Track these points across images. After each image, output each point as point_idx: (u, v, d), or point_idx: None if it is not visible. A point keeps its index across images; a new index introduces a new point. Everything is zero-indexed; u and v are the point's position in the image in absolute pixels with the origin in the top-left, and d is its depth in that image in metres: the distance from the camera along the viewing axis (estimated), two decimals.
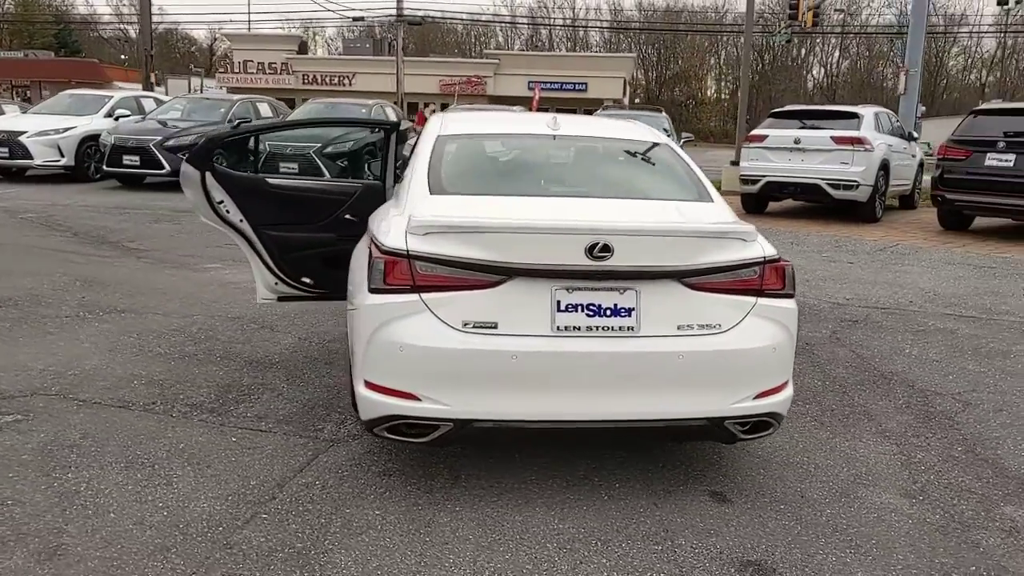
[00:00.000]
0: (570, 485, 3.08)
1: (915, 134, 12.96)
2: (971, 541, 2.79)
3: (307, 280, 4.50)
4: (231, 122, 13.89)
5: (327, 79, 41.24)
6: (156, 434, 3.37)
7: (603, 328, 2.74)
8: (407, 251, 2.75)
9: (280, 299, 4.59)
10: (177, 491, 2.91)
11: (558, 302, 2.73)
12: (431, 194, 3.10)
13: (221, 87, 41.53)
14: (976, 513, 2.99)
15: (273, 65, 42.45)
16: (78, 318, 5.11)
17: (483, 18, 63.92)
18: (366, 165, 5.03)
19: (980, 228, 10.59)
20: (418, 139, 4.32)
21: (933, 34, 51.75)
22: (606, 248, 2.69)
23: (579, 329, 2.73)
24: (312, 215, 4.42)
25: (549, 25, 68.13)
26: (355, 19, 42.04)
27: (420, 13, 41.06)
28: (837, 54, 65.65)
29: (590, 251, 2.69)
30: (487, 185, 3.37)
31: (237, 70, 42.96)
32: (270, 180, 4.37)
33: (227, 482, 2.99)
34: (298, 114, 14.98)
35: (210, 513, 2.76)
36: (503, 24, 67.53)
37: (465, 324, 2.72)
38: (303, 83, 41.22)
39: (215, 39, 67.42)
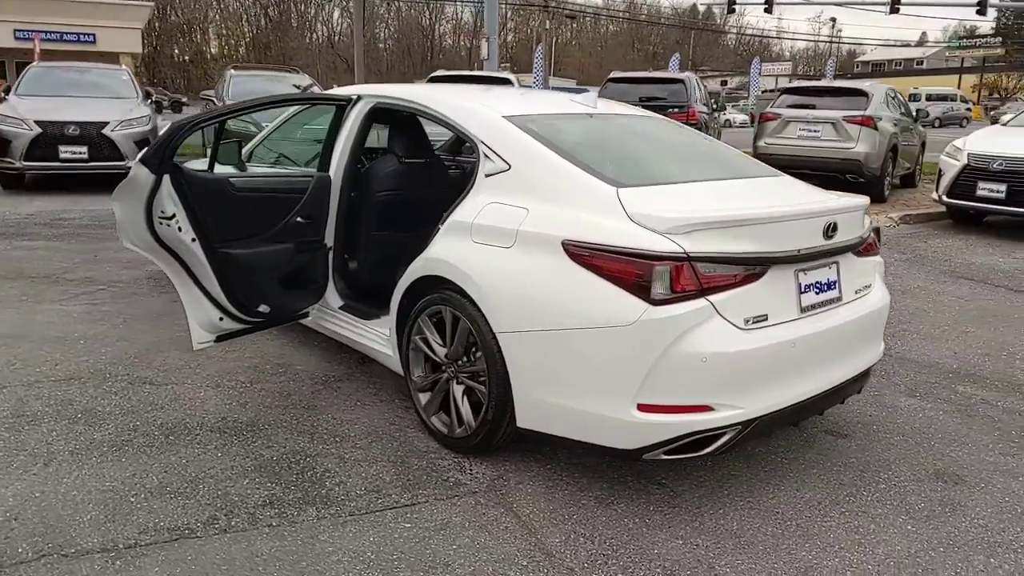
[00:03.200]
0: (751, 468, 3.15)
1: None
2: (982, 414, 3.76)
3: (264, 308, 3.51)
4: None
5: None
6: (313, 555, 2.39)
7: (826, 302, 2.91)
8: (686, 253, 2.49)
9: (219, 339, 3.48)
10: None
11: (799, 284, 2.80)
12: (620, 186, 2.77)
13: None
14: (959, 397, 3.99)
15: None
16: None
17: None
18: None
19: None
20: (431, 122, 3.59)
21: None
22: (835, 227, 2.85)
23: (815, 307, 2.85)
24: (271, 222, 3.44)
25: None
26: None
27: None
28: (337, 14, 68.10)
29: (826, 232, 2.82)
30: (640, 173, 3.11)
31: None
32: (234, 181, 3.21)
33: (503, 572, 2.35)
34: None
35: None
36: None
37: (747, 321, 2.62)
38: None
39: None
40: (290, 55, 60.97)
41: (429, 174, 4.10)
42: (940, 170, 8.71)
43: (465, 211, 3.06)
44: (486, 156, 3.12)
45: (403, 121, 4.02)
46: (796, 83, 12.16)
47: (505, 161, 3.04)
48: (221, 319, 3.39)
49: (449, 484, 2.90)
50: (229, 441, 3.16)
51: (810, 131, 9.90)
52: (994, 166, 8.00)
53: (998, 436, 3.52)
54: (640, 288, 2.50)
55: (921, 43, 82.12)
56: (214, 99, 10.96)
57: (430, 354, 3.21)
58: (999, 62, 55.95)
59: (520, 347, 2.78)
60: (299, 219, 3.58)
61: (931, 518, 2.79)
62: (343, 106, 3.74)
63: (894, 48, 78.09)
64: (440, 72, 12.30)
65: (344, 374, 4.00)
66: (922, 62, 71.40)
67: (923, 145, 12.11)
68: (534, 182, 2.93)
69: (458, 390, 3.11)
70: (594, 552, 2.49)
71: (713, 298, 2.54)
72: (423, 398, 3.29)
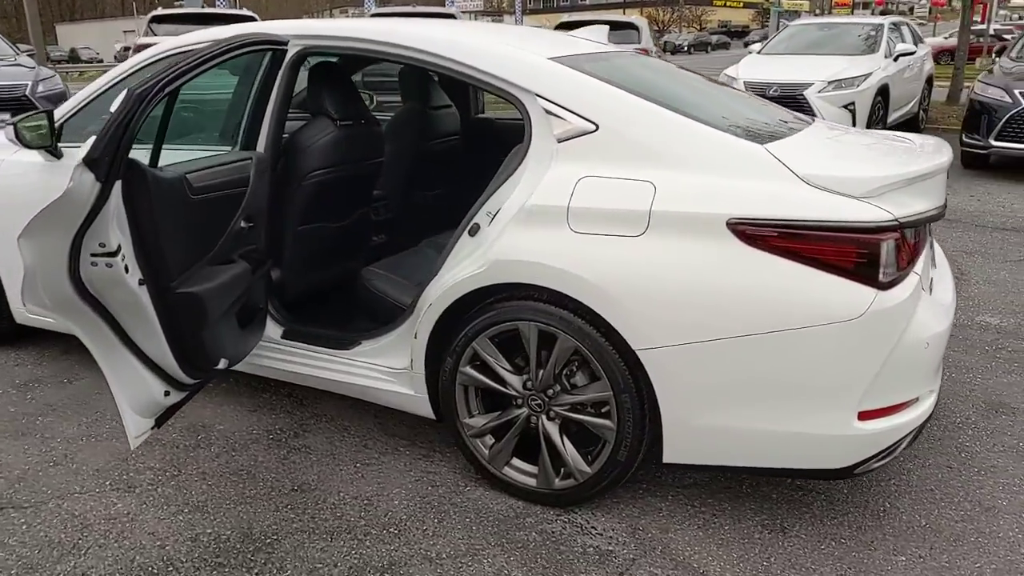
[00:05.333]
0: None
1: None
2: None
3: (224, 364, 2.43)
4: None
5: None
6: None
7: (934, 258, 2.65)
8: (897, 220, 2.03)
9: (158, 423, 2.34)
10: None
11: (931, 239, 2.50)
12: (764, 142, 2.19)
13: None
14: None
15: None
16: None
17: None
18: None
19: None
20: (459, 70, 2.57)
21: None
22: None
23: (934, 260, 2.58)
24: (220, 235, 2.33)
25: None
26: None
27: None
28: None
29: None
30: (749, 125, 2.48)
31: None
32: (191, 178, 2.02)
33: None
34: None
35: None
36: None
37: (930, 290, 2.25)
38: None
39: None
40: None
41: (369, 140, 3.09)
42: None
43: (544, 191, 2.25)
44: (550, 114, 2.32)
45: (330, 72, 2.96)
46: (568, 18, 12.15)
47: (588, 120, 2.27)
48: (167, 394, 2.20)
49: (595, 557, 2.18)
50: None
51: None
52: (771, 92, 8.62)
53: (979, 356, 3.63)
54: (862, 271, 1.99)
55: None
56: None
57: (496, 387, 2.40)
58: None
59: (675, 364, 2.12)
60: (243, 223, 2.44)
61: None
62: (281, 54, 2.59)
63: None
64: (160, 11, 10.24)
65: (291, 426, 2.95)
66: None
67: None
68: (647, 145, 2.21)
69: (552, 428, 2.36)
70: None
71: (917, 269, 2.13)
72: (485, 445, 2.47)
